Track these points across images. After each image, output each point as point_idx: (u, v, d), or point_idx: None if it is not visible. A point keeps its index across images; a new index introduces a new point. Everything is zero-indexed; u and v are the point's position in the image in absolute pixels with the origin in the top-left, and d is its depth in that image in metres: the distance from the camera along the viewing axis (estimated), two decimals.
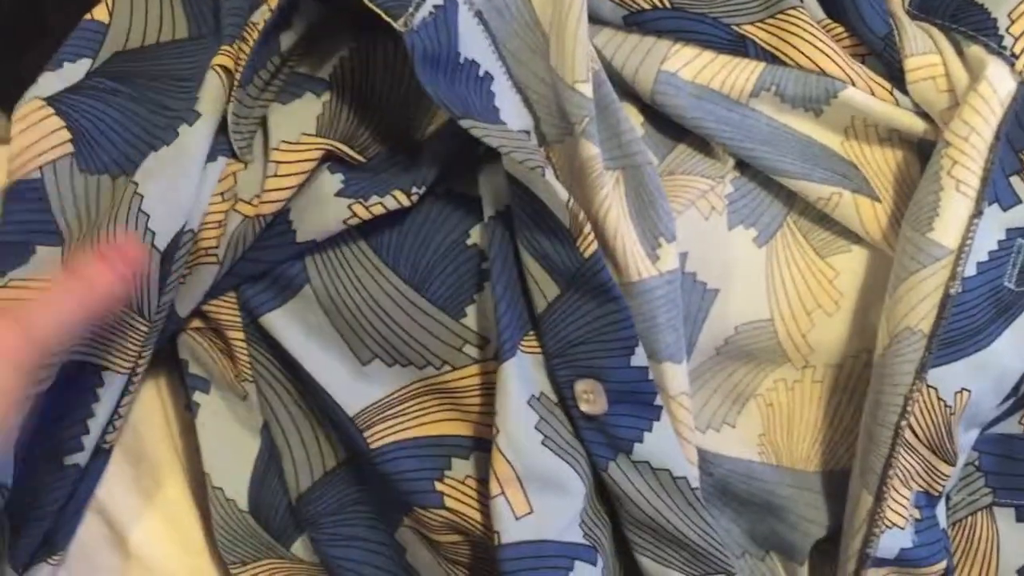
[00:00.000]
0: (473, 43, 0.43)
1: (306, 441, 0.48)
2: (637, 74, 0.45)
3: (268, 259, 0.45)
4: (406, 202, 0.43)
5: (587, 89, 0.42)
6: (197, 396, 0.48)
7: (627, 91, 0.46)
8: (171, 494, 0.50)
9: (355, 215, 0.43)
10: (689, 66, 0.45)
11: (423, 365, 0.45)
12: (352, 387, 0.46)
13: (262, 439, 0.48)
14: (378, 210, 0.43)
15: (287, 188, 0.43)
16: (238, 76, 0.43)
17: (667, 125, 0.46)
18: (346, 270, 0.45)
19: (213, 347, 0.48)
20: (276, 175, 0.43)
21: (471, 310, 0.44)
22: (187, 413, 0.50)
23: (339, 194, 0.43)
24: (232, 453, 0.48)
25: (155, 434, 0.50)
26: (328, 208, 0.43)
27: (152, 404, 0.50)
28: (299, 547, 0.49)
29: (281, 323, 0.46)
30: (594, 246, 0.41)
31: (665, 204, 0.43)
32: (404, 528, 0.47)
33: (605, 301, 0.42)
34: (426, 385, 0.46)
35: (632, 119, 0.45)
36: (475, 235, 0.44)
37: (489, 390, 0.44)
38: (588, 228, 0.41)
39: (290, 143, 0.43)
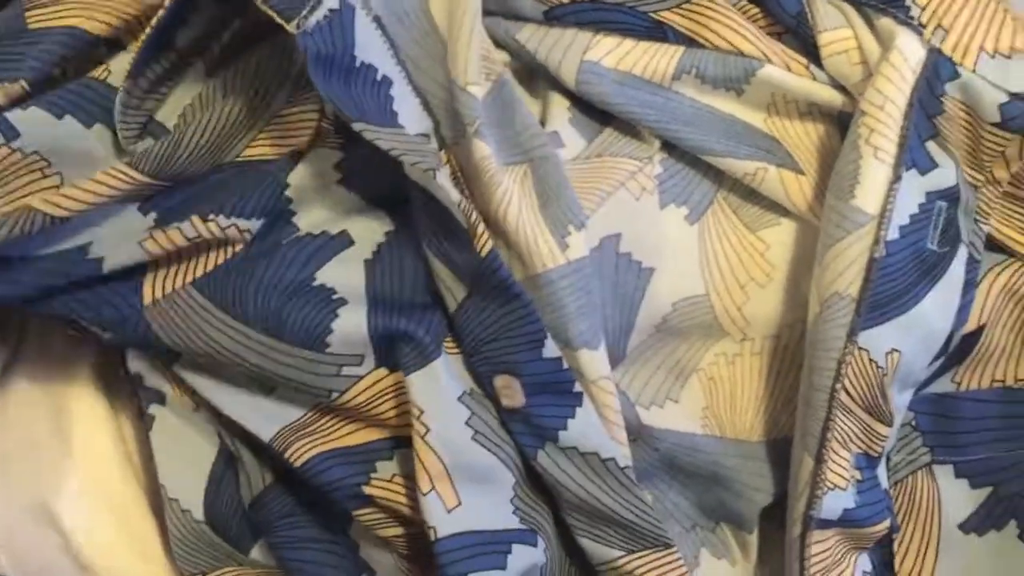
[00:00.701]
0: (371, 47, 0.43)
1: (255, 447, 0.48)
2: (561, 65, 0.46)
3: (62, 272, 0.44)
4: (203, 229, 0.43)
5: (478, 91, 0.43)
6: (152, 409, 0.48)
7: (553, 82, 0.47)
8: (127, 505, 0.50)
9: (152, 238, 0.43)
10: (611, 54, 0.46)
11: (314, 395, 0.46)
12: (264, 414, 0.46)
13: (219, 443, 0.49)
14: (176, 236, 0.43)
15: (80, 202, 0.42)
16: (129, 67, 0.43)
17: (594, 112, 0.47)
18: (190, 326, 0.45)
19: (161, 363, 0.48)
20: (77, 187, 0.42)
21: (332, 338, 0.44)
22: (140, 423, 0.50)
23: (143, 213, 0.44)
24: (187, 463, 0.49)
25: (109, 446, 0.50)
26: (130, 227, 0.44)
27: (105, 415, 0.50)
28: (257, 552, 0.49)
29: (184, 371, 0.47)
30: (489, 245, 0.42)
31: (571, 193, 0.43)
32: (355, 525, 0.48)
33: (508, 299, 0.43)
34: (327, 407, 0.46)
35: (555, 112, 0.46)
36: (321, 276, 0.44)
37: (392, 393, 0.45)
38: (482, 228, 0.42)
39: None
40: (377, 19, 0.43)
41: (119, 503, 0.50)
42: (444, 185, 0.41)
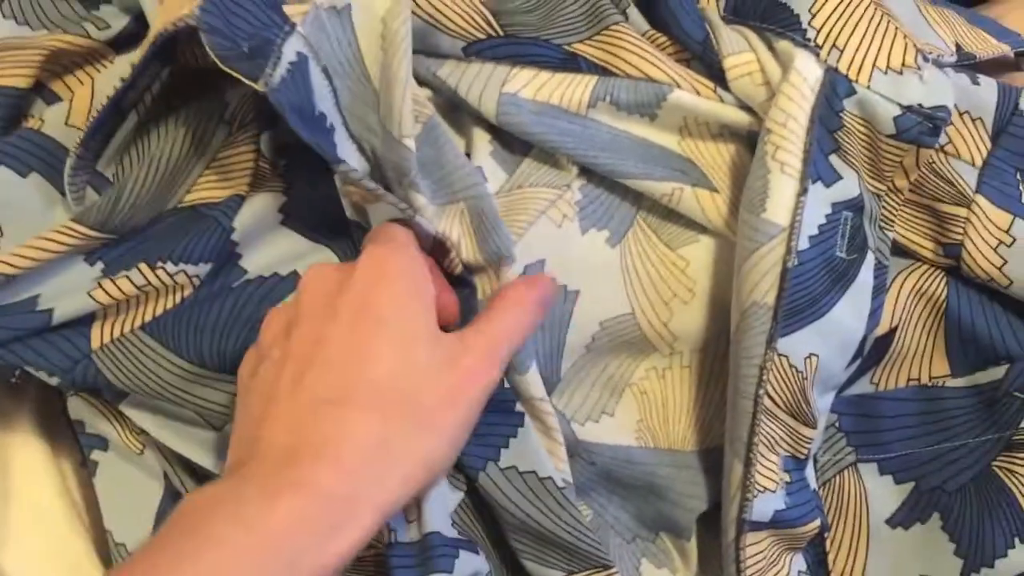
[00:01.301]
0: (322, 97, 0.45)
1: (203, 484, 0.49)
2: (481, 99, 0.48)
3: (11, 326, 0.45)
4: (152, 277, 0.45)
5: (411, 143, 0.44)
6: (95, 455, 0.49)
7: (473, 115, 0.49)
8: (74, 552, 0.50)
9: (100, 288, 0.45)
10: (528, 86, 0.48)
11: None
12: (213, 449, 0.47)
13: (164, 483, 0.49)
14: (125, 285, 0.45)
15: (31, 259, 0.43)
16: (78, 128, 0.44)
17: (515, 143, 0.49)
18: (139, 368, 0.46)
19: (105, 408, 0.49)
20: (28, 245, 0.44)
21: None
22: (84, 470, 0.50)
23: (90, 264, 0.45)
24: (133, 506, 0.49)
25: (53, 495, 0.50)
26: (77, 279, 0.45)
27: (47, 465, 0.50)
28: None
29: (131, 411, 0.48)
30: (460, 267, 0.45)
31: (503, 229, 0.45)
32: None
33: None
34: None
35: (478, 146, 0.48)
36: None
37: None
38: (455, 252, 0.45)
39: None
40: (325, 70, 0.45)
41: (66, 552, 0.50)
42: (421, 222, 0.44)
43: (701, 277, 0.49)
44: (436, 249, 0.45)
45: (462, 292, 0.45)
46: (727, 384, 0.47)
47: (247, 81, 0.40)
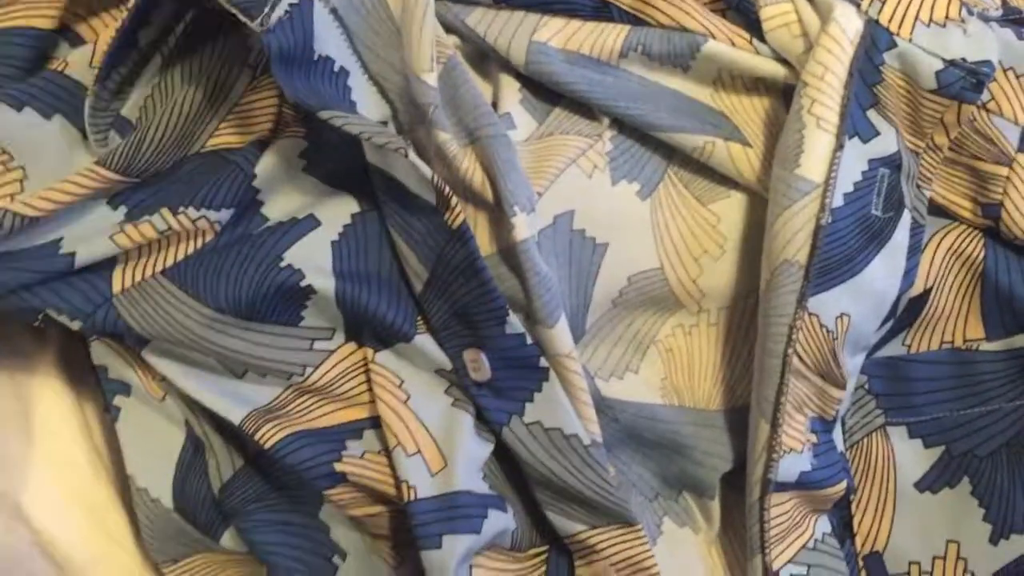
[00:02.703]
0: (328, 39, 0.44)
1: (224, 433, 0.49)
2: (511, 47, 0.47)
3: (35, 269, 0.45)
4: (173, 222, 0.44)
5: (431, 79, 0.44)
6: (117, 400, 0.49)
7: (503, 65, 0.48)
8: (97, 497, 0.50)
9: (123, 233, 0.44)
10: (559, 35, 0.47)
11: (288, 376, 0.47)
12: (234, 398, 0.47)
13: (186, 431, 0.49)
14: (147, 230, 0.44)
15: (55, 203, 0.43)
16: (96, 72, 0.44)
17: (544, 93, 0.48)
18: (160, 313, 0.45)
19: (128, 354, 0.49)
20: (51, 188, 0.43)
21: (307, 312, 0.46)
22: (106, 416, 0.50)
23: (112, 208, 0.45)
24: (155, 452, 0.49)
25: (75, 439, 0.50)
26: (100, 222, 0.45)
27: (70, 409, 0.50)
28: (228, 538, 0.50)
29: (153, 358, 0.47)
30: (461, 218, 0.43)
31: (518, 175, 0.44)
32: (326, 507, 0.48)
33: (470, 276, 0.44)
34: (299, 389, 0.47)
35: (507, 93, 0.47)
36: (289, 256, 0.45)
37: (361, 369, 0.47)
38: (455, 201, 0.43)
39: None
40: (334, 11, 0.44)
41: (88, 495, 0.50)
42: (416, 162, 0.42)
43: (732, 233, 0.48)
44: (438, 198, 0.44)
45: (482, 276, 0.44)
46: (754, 344, 0.47)
47: (243, 18, 0.40)
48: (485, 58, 0.48)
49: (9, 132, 0.45)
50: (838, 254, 0.44)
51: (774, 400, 0.44)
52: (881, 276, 0.45)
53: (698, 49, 0.46)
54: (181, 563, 0.49)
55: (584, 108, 0.48)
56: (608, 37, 0.47)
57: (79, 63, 0.46)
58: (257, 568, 0.49)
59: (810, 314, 0.44)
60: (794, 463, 0.45)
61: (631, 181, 0.47)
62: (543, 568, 0.48)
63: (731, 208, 0.48)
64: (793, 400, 0.45)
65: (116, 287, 0.45)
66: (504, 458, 0.47)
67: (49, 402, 0.51)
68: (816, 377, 0.45)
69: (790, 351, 0.44)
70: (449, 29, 0.48)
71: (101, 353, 0.48)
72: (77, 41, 0.49)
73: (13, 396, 0.50)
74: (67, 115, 0.46)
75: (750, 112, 0.48)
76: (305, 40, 0.42)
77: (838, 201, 0.44)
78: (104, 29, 0.48)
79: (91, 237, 0.44)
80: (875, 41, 0.44)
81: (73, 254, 0.44)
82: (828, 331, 0.44)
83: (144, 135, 0.44)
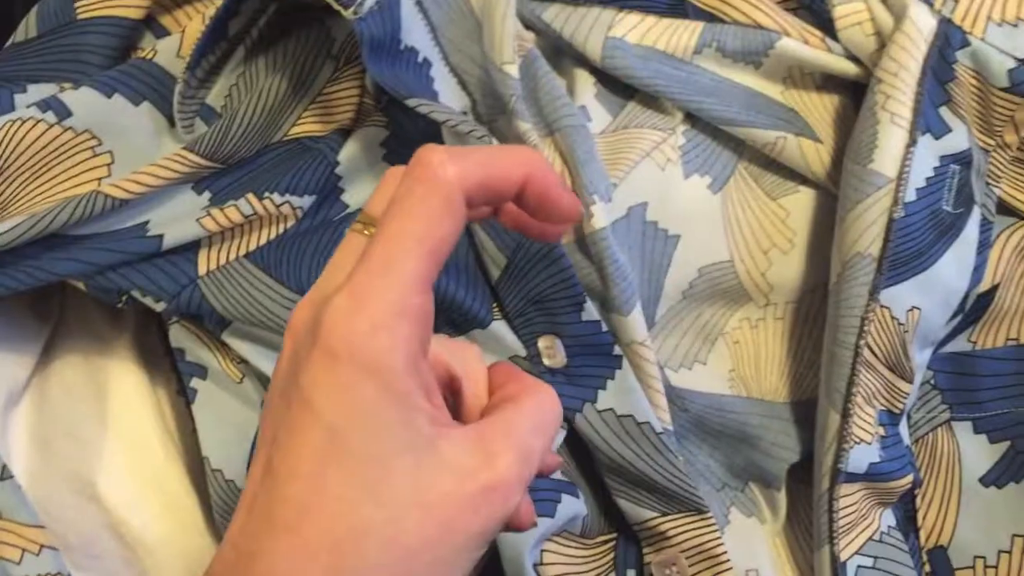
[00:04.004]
0: (413, 30, 0.46)
1: None
2: (587, 42, 0.48)
3: (123, 250, 0.46)
4: (258, 207, 0.45)
5: (513, 70, 0.45)
6: (194, 382, 0.50)
7: (578, 60, 0.49)
8: (168, 479, 0.51)
9: (209, 216, 0.45)
10: (634, 31, 0.48)
11: None
12: None
13: (261, 412, 0.50)
14: (233, 214, 0.45)
15: (145, 186, 0.44)
16: (187, 60, 0.45)
17: (618, 87, 0.49)
18: (243, 295, 0.47)
19: (206, 336, 0.50)
20: (142, 172, 0.45)
21: None
22: (180, 399, 0.51)
23: (197, 193, 0.46)
24: (230, 434, 0.50)
25: (149, 421, 0.51)
26: (185, 206, 0.46)
27: (145, 391, 0.51)
28: None
29: (233, 340, 0.48)
30: None
31: (596, 165, 0.45)
32: None
33: (549, 263, 0.45)
34: None
35: (582, 87, 0.48)
36: None
37: None
38: None
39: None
40: (419, 2, 0.45)
41: (160, 478, 0.51)
42: None
43: (801, 228, 0.48)
44: None
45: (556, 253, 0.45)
46: (820, 337, 0.47)
47: (336, 6, 0.41)
48: (560, 53, 0.49)
49: (98, 117, 0.46)
50: (910, 248, 0.45)
51: (845, 391, 0.45)
52: (951, 271, 0.46)
53: (772, 46, 0.47)
54: None
55: (657, 102, 0.49)
56: (683, 34, 0.48)
57: (167, 52, 0.47)
58: None
59: (882, 306, 0.45)
60: (864, 454, 0.46)
61: (703, 175, 0.48)
62: (611, 555, 0.48)
63: (800, 203, 0.49)
64: (863, 392, 0.45)
65: (201, 269, 0.46)
66: (574, 445, 0.48)
67: (124, 384, 0.52)
68: (885, 370, 0.46)
69: (861, 343, 0.44)
70: (526, 25, 0.49)
71: (179, 336, 0.49)
72: (161, 32, 0.50)
73: (89, 378, 0.51)
74: (155, 102, 0.47)
75: (820, 109, 0.49)
76: (393, 30, 0.43)
77: (910, 196, 0.44)
78: (189, 21, 0.50)
79: (178, 220, 0.45)
80: (948, 39, 0.45)
81: (161, 236, 0.45)
82: (899, 323, 0.45)
83: (230, 122, 0.45)
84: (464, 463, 0.29)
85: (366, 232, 0.31)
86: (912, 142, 0.44)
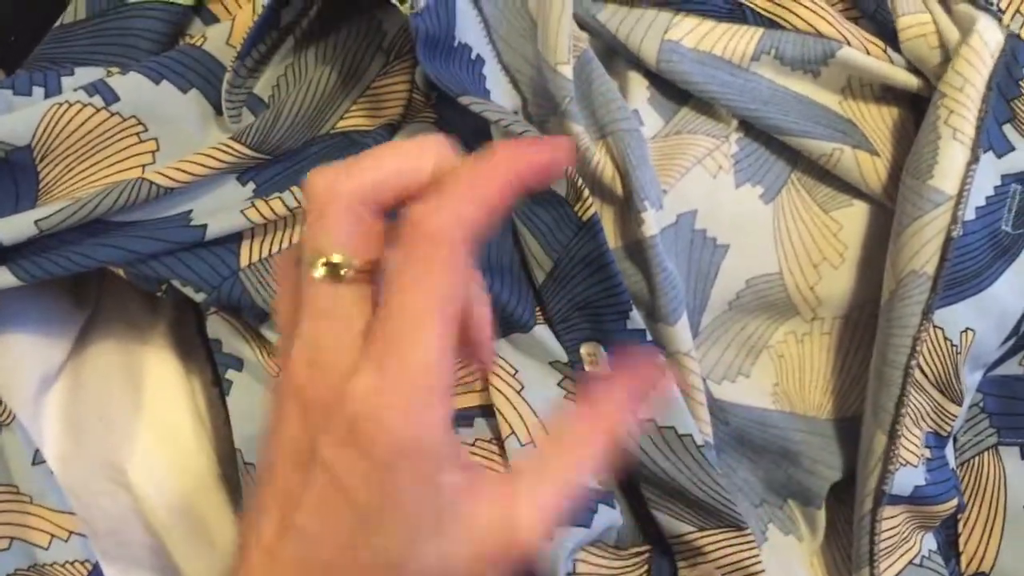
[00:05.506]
0: (467, 28, 0.45)
1: None
2: (642, 44, 0.47)
3: (166, 239, 0.45)
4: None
5: (567, 71, 0.44)
6: (229, 374, 0.49)
7: (631, 61, 0.48)
8: (199, 469, 0.50)
9: (254, 207, 0.45)
10: (691, 34, 0.47)
11: None
12: None
13: None
14: (278, 206, 0.45)
15: (191, 175, 0.44)
16: (237, 49, 0.45)
17: (671, 91, 0.48)
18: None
19: (244, 328, 0.49)
20: (188, 160, 0.44)
21: None
22: (214, 390, 0.51)
23: (242, 184, 0.46)
24: (264, 427, 0.49)
25: (182, 411, 0.51)
26: (230, 197, 0.45)
27: (179, 380, 0.51)
28: None
29: (272, 334, 0.48)
30: (593, 210, 0.44)
31: (648, 171, 0.44)
32: None
33: (597, 269, 0.44)
34: None
35: (635, 90, 0.47)
36: None
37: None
38: (587, 192, 0.44)
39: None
40: (475, 0, 0.44)
41: (191, 467, 0.51)
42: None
43: (853, 242, 0.47)
44: (569, 189, 0.44)
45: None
46: (867, 354, 0.46)
47: (394, 1, 0.40)
48: (613, 55, 0.49)
49: (146, 103, 0.45)
50: (967, 268, 0.44)
51: (893, 411, 0.44)
52: (1008, 293, 0.45)
53: (832, 55, 0.46)
54: None
55: (711, 109, 0.48)
56: (741, 40, 0.47)
57: (216, 39, 0.47)
58: None
59: (935, 327, 0.44)
60: (909, 476, 0.45)
61: (755, 184, 0.47)
62: (644, 567, 0.48)
63: (853, 217, 0.48)
64: (912, 413, 0.44)
65: (243, 261, 0.46)
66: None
67: (158, 373, 0.51)
68: (935, 391, 0.45)
69: (912, 363, 0.43)
70: (580, 25, 0.48)
71: (217, 327, 0.49)
72: (210, 18, 0.49)
73: (123, 365, 0.51)
74: (202, 89, 0.46)
75: (878, 121, 0.48)
76: (448, 26, 0.43)
77: (970, 215, 0.43)
78: (239, 8, 0.49)
79: (222, 210, 0.45)
80: (1016, 56, 0.44)
81: (204, 226, 0.45)
82: (952, 344, 0.44)
83: (278, 113, 0.45)
84: (486, 529, 0.29)
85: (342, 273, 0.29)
86: (974, 159, 0.43)
